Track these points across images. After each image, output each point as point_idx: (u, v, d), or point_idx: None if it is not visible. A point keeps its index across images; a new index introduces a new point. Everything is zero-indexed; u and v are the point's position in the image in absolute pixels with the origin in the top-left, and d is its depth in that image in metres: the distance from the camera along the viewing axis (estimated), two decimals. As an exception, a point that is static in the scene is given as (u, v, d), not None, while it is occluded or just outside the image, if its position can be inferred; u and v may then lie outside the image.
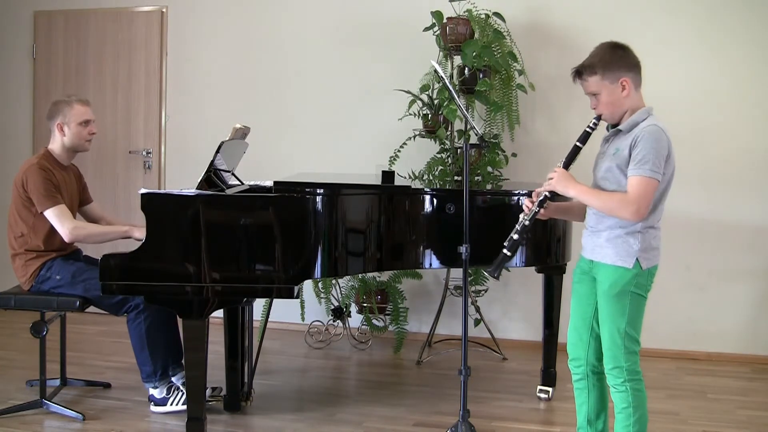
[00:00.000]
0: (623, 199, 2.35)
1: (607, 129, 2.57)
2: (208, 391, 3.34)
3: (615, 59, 2.43)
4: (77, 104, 3.47)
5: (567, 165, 2.51)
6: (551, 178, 2.48)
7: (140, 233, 3.25)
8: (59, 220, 3.29)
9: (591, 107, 2.52)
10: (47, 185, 3.31)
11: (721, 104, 4.46)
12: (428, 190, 3.33)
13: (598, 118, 2.49)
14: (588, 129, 2.50)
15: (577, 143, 2.50)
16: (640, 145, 2.35)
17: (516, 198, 3.42)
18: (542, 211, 2.53)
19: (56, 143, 3.49)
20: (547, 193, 2.50)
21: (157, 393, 3.42)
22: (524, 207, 2.56)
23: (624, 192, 2.38)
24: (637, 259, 2.41)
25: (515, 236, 2.53)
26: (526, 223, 2.52)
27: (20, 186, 3.35)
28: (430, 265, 3.30)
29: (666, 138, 2.39)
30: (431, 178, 4.28)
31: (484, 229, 3.29)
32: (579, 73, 2.47)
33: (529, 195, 2.64)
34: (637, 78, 2.46)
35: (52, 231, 3.35)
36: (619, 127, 2.47)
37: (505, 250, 2.54)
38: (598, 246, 2.49)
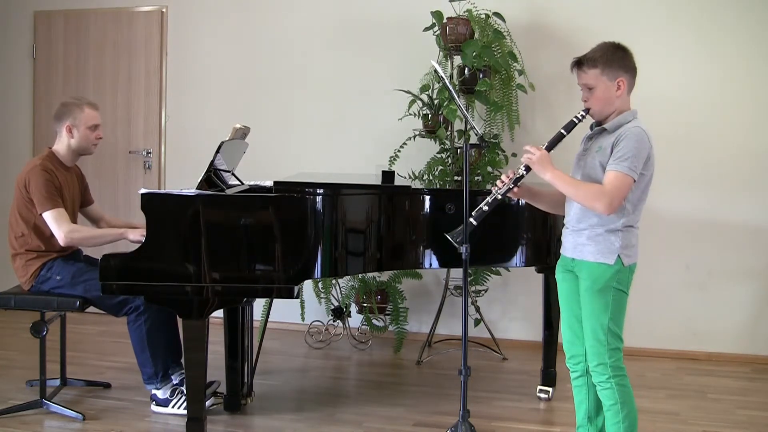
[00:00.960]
0: (598, 191, 2.39)
1: (591, 128, 2.61)
2: (209, 402, 3.34)
3: (617, 58, 2.48)
4: (88, 108, 3.48)
5: (549, 149, 2.54)
6: (531, 155, 2.50)
7: (135, 235, 3.26)
8: (56, 222, 3.28)
9: (582, 99, 2.55)
10: (49, 187, 3.31)
11: (721, 104, 4.46)
12: (428, 190, 3.33)
13: (587, 110, 2.53)
14: (574, 119, 2.54)
15: (562, 130, 2.55)
16: (621, 144, 2.40)
17: (516, 198, 3.40)
18: (515, 189, 2.59)
19: (62, 144, 3.48)
20: (523, 172, 2.55)
21: (160, 393, 3.42)
22: (498, 182, 2.61)
23: (599, 184, 2.41)
24: (618, 255, 2.45)
25: (485, 207, 2.60)
26: (498, 196, 2.59)
27: (23, 187, 3.35)
28: (430, 265, 3.30)
29: (648, 140, 2.43)
30: (431, 178, 4.28)
31: (484, 229, 3.29)
32: (579, 63, 2.51)
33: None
34: (631, 81, 2.51)
35: (51, 231, 3.35)
36: (604, 126, 2.51)
37: (471, 219, 2.62)
38: (579, 244, 2.53)
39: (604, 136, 2.50)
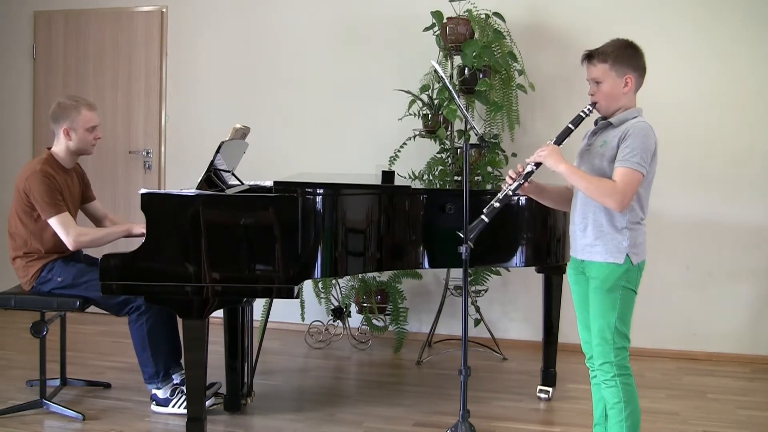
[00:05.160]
0: (610, 187, 2.38)
1: (595, 123, 2.61)
2: (209, 402, 3.34)
3: (627, 56, 2.49)
4: (85, 109, 3.43)
5: (558, 144, 2.55)
6: (542, 152, 2.51)
7: (140, 228, 3.26)
8: (63, 228, 3.27)
9: (589, 93, 2.56)
10: (51, 193, 3.29)
11: (722, 104, 4.46)
12: (428, 190, 3.33)
13: (593, 104, 2.55)
14: (582, 113, 2.56)
15: (569, 125, 2.57)
16: (629, 140, 2.40)
17: (516, 198, 3.41)
18: (526, 184, 2.59)
19: (61, 146, 3.46)
20: (533, 167, 2.55)
21: (160, 393, 3.41)
22: (507, 178, 2.61)
23: (611, 180, 2.41)
24: (627, 254, 2.45)
25: (496, 204, 2.59)
26: (509, 192, 2.58)
27: (22, 192, 3.32)
28: (430, 265, 3.30)
29: (654, 136, 2.45)
30: (431, 178, 4.29)
31: (485, 229, 3.29)
32: (590, 56, 2.52)
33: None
34: (639, 80, 2.53)
35: (52, 234, 3.33)
36: (610, 120, 2.52)
37: (483, 216, 2.61)
38: (587, 245, 2.53)
39: (609, 131, 2.51)
